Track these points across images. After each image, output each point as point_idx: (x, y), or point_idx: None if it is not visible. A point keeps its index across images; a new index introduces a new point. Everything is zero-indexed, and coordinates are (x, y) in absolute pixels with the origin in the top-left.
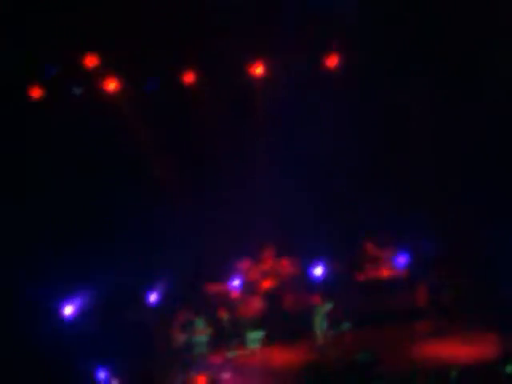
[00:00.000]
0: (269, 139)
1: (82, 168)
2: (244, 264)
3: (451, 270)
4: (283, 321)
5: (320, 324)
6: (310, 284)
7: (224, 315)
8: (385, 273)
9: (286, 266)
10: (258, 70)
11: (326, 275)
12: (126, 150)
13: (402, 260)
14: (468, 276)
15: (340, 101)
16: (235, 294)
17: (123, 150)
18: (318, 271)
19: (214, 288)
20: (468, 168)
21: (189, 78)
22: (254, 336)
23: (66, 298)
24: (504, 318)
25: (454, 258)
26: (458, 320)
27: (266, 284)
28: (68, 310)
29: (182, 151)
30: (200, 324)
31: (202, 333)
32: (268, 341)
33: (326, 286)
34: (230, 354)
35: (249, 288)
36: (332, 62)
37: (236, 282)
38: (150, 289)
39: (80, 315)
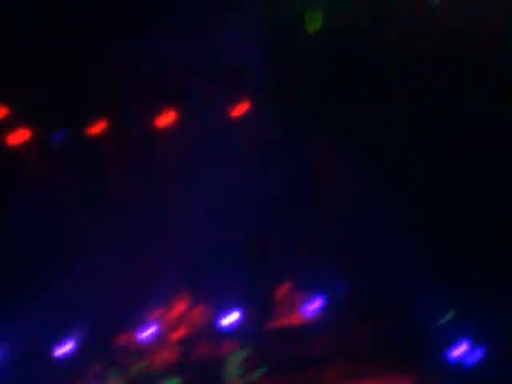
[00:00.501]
0: (177, 189)
1: None
2: (156, 312)
3: (362, 313)
4: (197, 370)
5: (233, 372)
6: (224, 332)
7: (137, 364)
8: (297, 318)
9: (199, 313)
10: (167, 118)
11: (238, 322)
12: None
13: (314, 304)
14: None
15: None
16: (148, 343)
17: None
18: (231, 318)
19: (125, 337)
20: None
21: (96, 128)
22: None
23: None
24: (418, 360)
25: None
26: (371, 363)
27: (179, 332)
28: None
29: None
30: (114, 374)
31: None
32: None
33: (239, 334)
34: None
35: (162, 336)
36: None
37: (148, 331)
38: (61, 341)
39: None
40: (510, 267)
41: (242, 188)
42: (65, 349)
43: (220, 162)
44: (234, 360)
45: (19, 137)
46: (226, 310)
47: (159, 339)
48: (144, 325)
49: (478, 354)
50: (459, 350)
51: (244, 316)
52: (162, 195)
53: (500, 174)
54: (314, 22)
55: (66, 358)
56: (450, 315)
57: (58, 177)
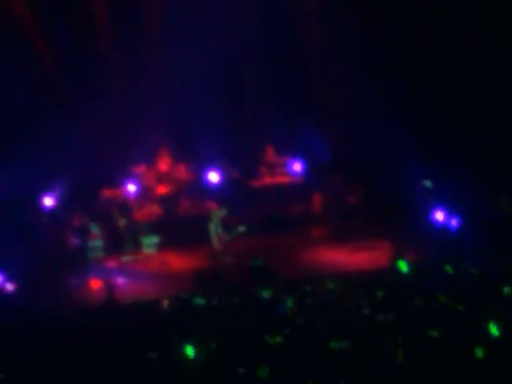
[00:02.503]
0: (167, 40)
1: None
2: (139, 169)
3: (346, 177)
4: (179, 226)
5: (215, 229)
6: (206, 190)
7: (119, 220)
8: (280, 179)
9: (182, 171)
10: None
11: (221, 181)
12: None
13: (297, 167)
14: (363, 183)
15: None
16: (130, 199)
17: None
18: (214, 177)
19: (109, 193)
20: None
21: None
22: (150, 241)
23: None
24: (397, 225)
25: (349, 166)
26: (352, 228)
27: (162, 189)
28: None
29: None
30: (95, 229)
31: (96, 237)
32: (163, 246)
33: (221, 192)
34: (125, 259)
35: (144, 193)
36: None
37: (131, 187)
38: (46, 192)
39: None
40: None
41: (234, 48)
42: (49, 201)
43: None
44: (217, 217)
45: None
46: (208, 169)
47: (142, 195)
48: (127, 180)
49: (455, 222)
50: (437, 216)
51: (226, 175)
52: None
53: None
54: None
55: (50, 211)
56: (427, 183)
57: None
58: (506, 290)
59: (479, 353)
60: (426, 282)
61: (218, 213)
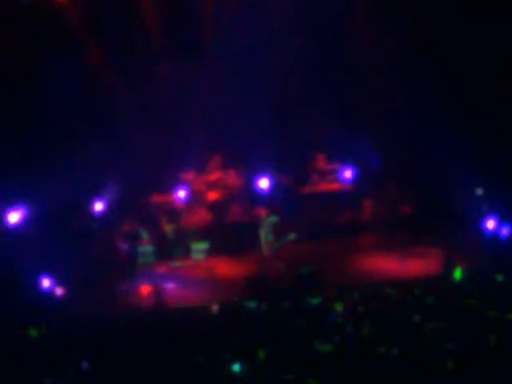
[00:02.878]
0: (218, 48)
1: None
2: (189, 174)
3: (398, 185)
4: (228, 232)
5: (265, 236)
6: (256, 196)
7: (168, 226)
8: (331, 186)
9: (233, 177)
10: None
11: (272, 187)
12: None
13: (348, 174)
14: (415, 191)
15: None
16: (180, 205)
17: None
18: (264, 183)
19: (158, 198)
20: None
21: None
22: (199, 247)
23: (10, 205)
24: (448, 232)
25: (401, 173)
26: (403, 235)
27: (212, 195)
28: (13, 218)
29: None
30: (144, 234)
31: (146, 243)
32: (213, 252)
33: (271, 199)
34: (175, 265)
35: (194, 199)
36: None
37: (181, 193)
38: (96, 197)
39: (25, 223)
40: None
41: (284, 58)
42: (99, 207)
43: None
44: (267, 224)
45: None
46: (259, 175)
47: (192, 201)
48: (177, 186)
49: (507, 229)
50: (488, 224)
51: (277, 182)
52: (200, 56)
53: None
54: None
55: (101, 216)
56: (479, 191)
57: None
58: None
59: None
60: (479, 290)
61: (268, 219)
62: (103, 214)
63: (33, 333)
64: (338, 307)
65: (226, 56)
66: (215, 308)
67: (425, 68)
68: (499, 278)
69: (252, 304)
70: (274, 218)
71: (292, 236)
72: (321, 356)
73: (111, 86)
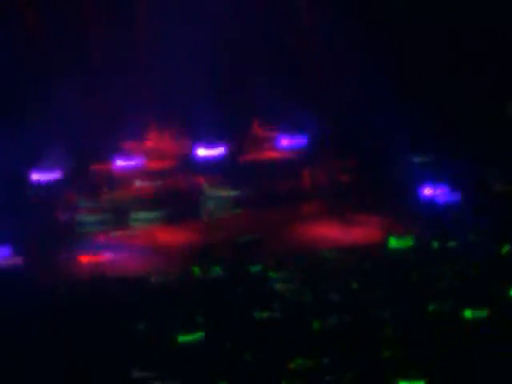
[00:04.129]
0: (161, 15)
1: None
2: (130, 143)
3: (338, 153)
4: (169, 201)
5: (208, 205)
6: (197, 165)
7: (109, 195)
8: (269, 154)
9: (173, 145)
10: None
11: (212, 156)
12: None
13: (286, 142)
14: (354, 160)
15: None
16: (121, 174)
17: None
18: (204, 152)
19: (99, 167)
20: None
21: None
22: (140, 216)
23: None
24: (387, 200)
25: (341, 142)
26: (343, 203)
27: (153, 164)
28: None
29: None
30: (85, 203)
31: (86, 212)
32: (154, 221)
33: (212, 168)
34: (116, 234)
35: (136, 168)
36: None
37: (121, 162)
38: (36, 167)
39: None
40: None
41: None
42: (41, 176)
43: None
44: (209, 192)
45: None
46: (199, 144)
47: (132, 170)
48: (117, 155)
49: (449, 196)
50: (426, 191)
51: (217, 150)
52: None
53: None
54: None
55: (41, 185)
56: (417, 158)
57: None
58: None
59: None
60: (416, 257)
61: (211, 189)
62: (44, 183)
63: None
64: (278, 275)
65: (169, 22)
66: (154, 277)
67: (367, 35)
68: (435, 244)
69: (195, 271)
70: (216, 187)
71: (236, 209)
72: (259, 324)
73: (51, 51)
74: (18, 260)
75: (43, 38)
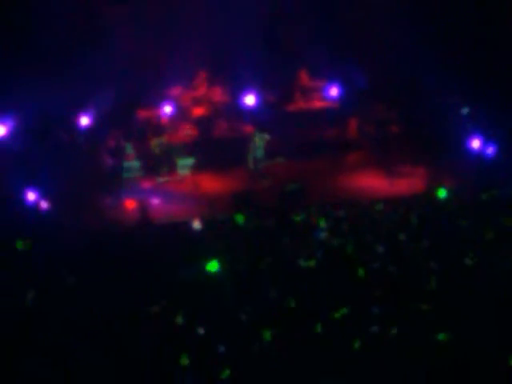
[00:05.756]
0: None
1: None
2: (176, 90)
3: (385, 104)
4: (214, 148)
5: (253, 153)
6: (242, 112)
7: (155, 141)
8: (315, 104)
9: (219, 93)
10: None
11: (257, 104)
12: None
13: (333, 92)
14: (401, 111)
15: None
16: (166, 120)
17: None
18: (250, 100)
19: (145, 113)
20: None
21: None
22: (185, 162)
23: None
24: (433, 153)
25: (388, 93)
26: (389, 154)
27: (198, 111)
28: None
29: None
30: (130, 149)
31: (131, 158)
32: (199, 168)
33: (257, 116)
34: (161, 180)
35: (180, 114)
36: None
37: (168, 108)
38: (81, 112)
39: (11, 136)
40: None
41: None
42: (85, 121)
43: None
44: (257, 140)
45: None
46: (245, 92)
47: (178, 116)
48: (163, 102)
49: (492, 149)
50: (474, 143)
51: (263, 99)
52: None
53: None
54: None
55: (86, 130)
56: (464, 110)
57: None
58: None
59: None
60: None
61: (257, 137)
62: (89, 128)
63: (19, 245)
64: (323, 224)
65: None
66: (197, 223)
67: None
68: (484, 196)
69: (239, 219)
70: (263, 137)
71: (281, 159)
72: (304, 272)
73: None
74: (61, 205)
75: None
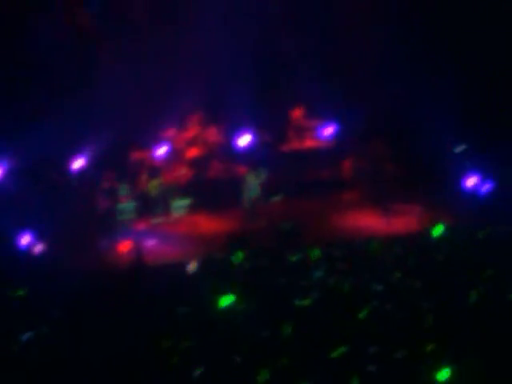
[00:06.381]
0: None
1: None
2: (170, 131)
3: (382, 142)
4: (209, 189)
5: (249, 193)
6: (237, 153)
7: (149, 182)
8: (310, 143)
9: (213, 133)
10: None
11: (252, 145)
12: None
13: (328, 131)
14: (398, 149)
15: None
16: (161, 161)
17: None
18: (245, 140)
19: (139, 155)
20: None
21: None
22: (180, 203)
23: None
24: (430, 190)
25: (385, 131)
26: (384, 192)
27: (192, 151)
28: None
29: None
30: (124, 191)
31: (126, 199)
32: (194, 209)
33: (252, 156)
34: (155, 221)
35: (175, 155)
36: None
37: (162, 149)
38: (75, 154)
39: (5, 178)
40: None
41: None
42: (79, 163)
43: None
44: (252, 180)
45: None
46: (239, 132)
47: (172, 158)
48: (158, 143)
49: (488, 186)
50: (471, 181)
51: (257, 138)
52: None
53: None
54: None
55: (80, 172)
56: (461, 147)
57: None
58: None
59: None
60: (460, 247)
61: (252, 177)
62: (83, 170)
63: (13, 294)
64: (319, 263)
65: (208, 11)
66: (194, 264)
67: (409, 27)
68: (480, 235)
69: (237, 259)
70: (259, 176)
71: (278, 197)
72: (300, 311)
73: (92, 41)
74: (55, 247)
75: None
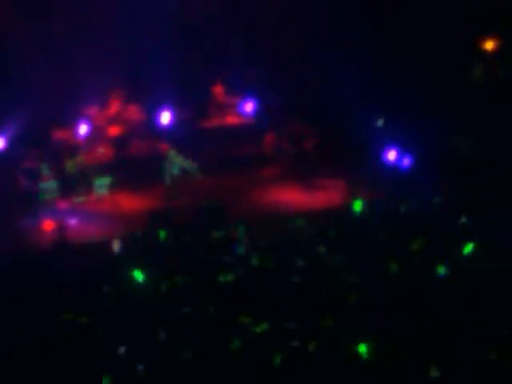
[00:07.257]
0: None
1: None
2: (91, 109)
3: (298, 119)
4: (130, 167)
5: (169, 171)
6: (157, 130)
7: (70, 161)
8: (231, 120)
9: (134, 111)
10: None
11: (173, 122)
12: None
13: (248, 108)
14: (316, 125)
15: None
16: (82, 140)
17: None
18: (165, 118)
19: (60, 134)
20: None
21: None
22: (102, 182)
23: None
24: (350, 165)
25: (303, 108)
26: (305, 168)
27: (113, 130)
28: None
29: None
30: (46, 170)
31: (48, 179)
32: (116, 187)
33: (173, 133)
34: (78, 200)
35: (96, 134)
36: None
37: (83, 128)
38: None
39: None
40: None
41: None
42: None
43: None
44: (171, 159)
45: None
46: (160, 109)
47: (93, 136)
48: (79, 121)
49: (407, 161)
50: (389, 155)
51: (178, 116)
52: None
53: None
54: None
55: (0, 152)
56: (380, 122)
57: None
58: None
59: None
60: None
61: (172, 155)
62: (3, 150)
63: None
64: (241, 240)
65: None
66: (117, 242)
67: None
68: (401, 208)
69: (160, 237)
70: (179, 155)
71: (196, 174)
72: (223, 287)
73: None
74: None
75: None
